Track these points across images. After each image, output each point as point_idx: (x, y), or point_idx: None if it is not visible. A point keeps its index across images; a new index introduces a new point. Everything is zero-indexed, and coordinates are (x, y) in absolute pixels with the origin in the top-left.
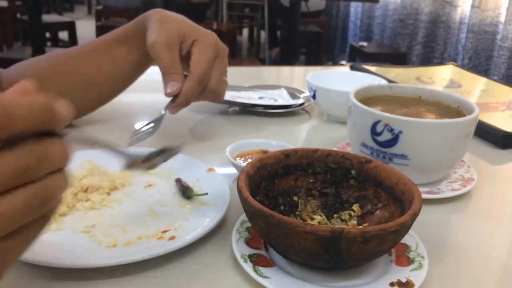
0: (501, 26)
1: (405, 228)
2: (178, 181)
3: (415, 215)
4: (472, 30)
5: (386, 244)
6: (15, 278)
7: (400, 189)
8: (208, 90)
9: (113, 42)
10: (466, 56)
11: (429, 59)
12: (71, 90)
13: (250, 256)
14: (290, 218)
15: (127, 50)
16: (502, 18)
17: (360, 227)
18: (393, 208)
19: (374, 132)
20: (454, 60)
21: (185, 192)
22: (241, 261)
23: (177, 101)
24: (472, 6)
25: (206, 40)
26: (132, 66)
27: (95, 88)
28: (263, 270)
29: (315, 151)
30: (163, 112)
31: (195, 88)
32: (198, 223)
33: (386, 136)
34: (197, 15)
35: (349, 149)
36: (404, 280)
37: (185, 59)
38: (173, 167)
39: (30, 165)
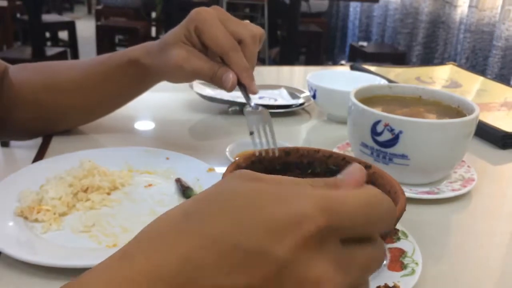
0: (498, 26)
1: None
2: (178, 181)
3: None
4: (469, 30)
5: None
6: (15, 278)
7: (390, 197)
8: (245, 43)
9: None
10: (464, 56)
11: (429, 59)
12: (69, 106)
13: None
14: None
15: (124, 87)
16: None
17: None
18: None
19: (374, 132)
20: (454, 60)
21: (185, 192)
22: None
23: (244, 80)
24: (470, 6)
25: (201, 20)
26: (130, 97)
27: (94, 110)
28: None
29: (317, 151)
30: (249, 108)
31: (239, 55)
32: None
33: (386, 136)
34: None
35: (349, 149)
36: (391, 285)
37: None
38: (173, 167)
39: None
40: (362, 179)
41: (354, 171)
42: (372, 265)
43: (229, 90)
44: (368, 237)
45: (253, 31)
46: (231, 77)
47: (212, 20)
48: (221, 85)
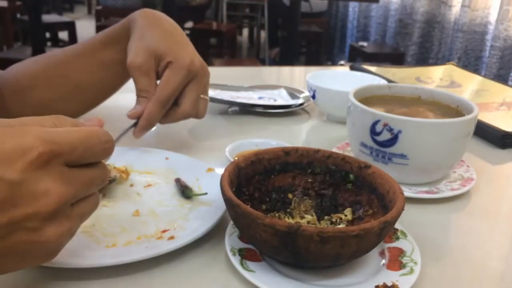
0: (490, 26)
1: (370, 234)
2: (178, 181)
3: (385, 223)
4: (461, 30)
5: (349, 248)
6: (15, 278)
7: (389, 197)
8: (181, 112)
9: (100, 45)
10: (456, 56)
11: (424, 59)
12: (62, 95)
13: (240, 250)
14: (252, 209)
15: (115, 53)
16: (491, 18)
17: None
18: (379, 216)
19: (373, 132)
20: (448, 60)
21: (185, 192)
22: (230, 254)
23: (139, 124)
24: (463, 6)
25: (179, 64)
26: (121, 68)
27: (85, 92)
28: (250, 264)
29: (317, 151)
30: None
31: (156, 112)
32: (198, 223)
33: (385, 135)
34: (197, 15)
35: (348, 149)
36: (389, 284)
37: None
38: (173, 167)
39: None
40: (99, 124)
41: (91, 120)
42: (94, 181)
43: (127, 116)
44: (91, 163)
45: (200, 113)
46: (136, 112)
47: (181, 75)
48: (135, 105)
